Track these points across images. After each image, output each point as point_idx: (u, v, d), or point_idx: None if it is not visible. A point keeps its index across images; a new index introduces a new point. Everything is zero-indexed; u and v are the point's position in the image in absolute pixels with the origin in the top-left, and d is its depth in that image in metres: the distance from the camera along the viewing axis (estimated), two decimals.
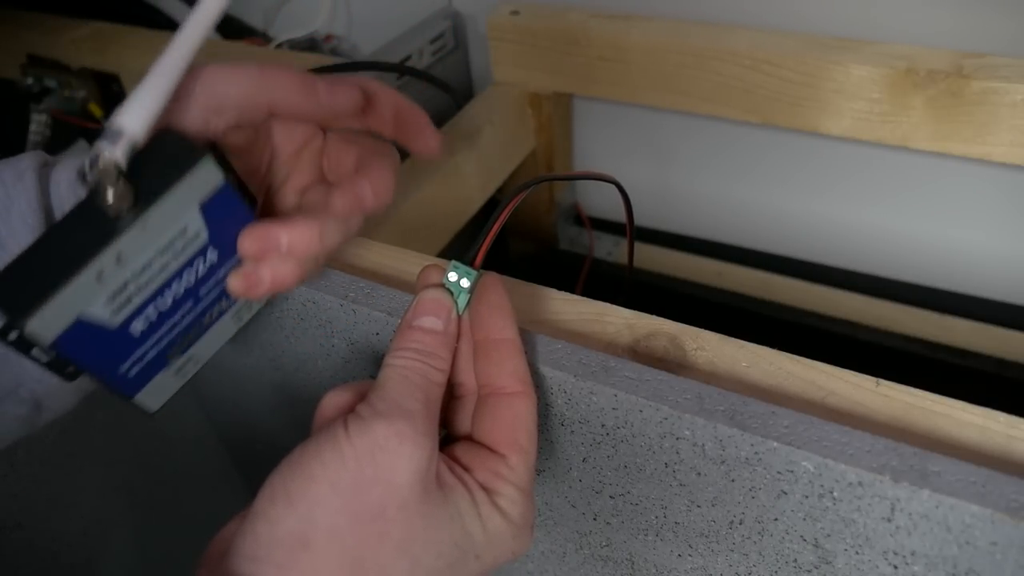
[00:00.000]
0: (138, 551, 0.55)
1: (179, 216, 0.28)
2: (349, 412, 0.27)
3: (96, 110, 0.71)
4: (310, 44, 0.75)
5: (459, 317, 0.30)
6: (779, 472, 0.28)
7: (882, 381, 0.31)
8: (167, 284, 0.30)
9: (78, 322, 0.27)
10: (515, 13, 0.62)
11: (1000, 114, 0.48)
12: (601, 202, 0.77)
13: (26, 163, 0.31)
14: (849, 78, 0.51)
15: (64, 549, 0.49)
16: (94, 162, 0.26)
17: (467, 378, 0.31)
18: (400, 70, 0.62)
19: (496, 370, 0.30)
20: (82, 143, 0.76)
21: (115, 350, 0.29)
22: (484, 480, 0.28)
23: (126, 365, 0.30)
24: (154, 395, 0.32)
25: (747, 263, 0.70)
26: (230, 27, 0.79)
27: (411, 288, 0.35)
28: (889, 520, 0.27)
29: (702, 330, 0.34)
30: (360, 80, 0.34)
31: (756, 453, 0.28)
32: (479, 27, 0.72)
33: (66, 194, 0.30)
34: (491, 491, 0.28)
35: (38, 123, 0.72)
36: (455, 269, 0.30)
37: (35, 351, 0.27)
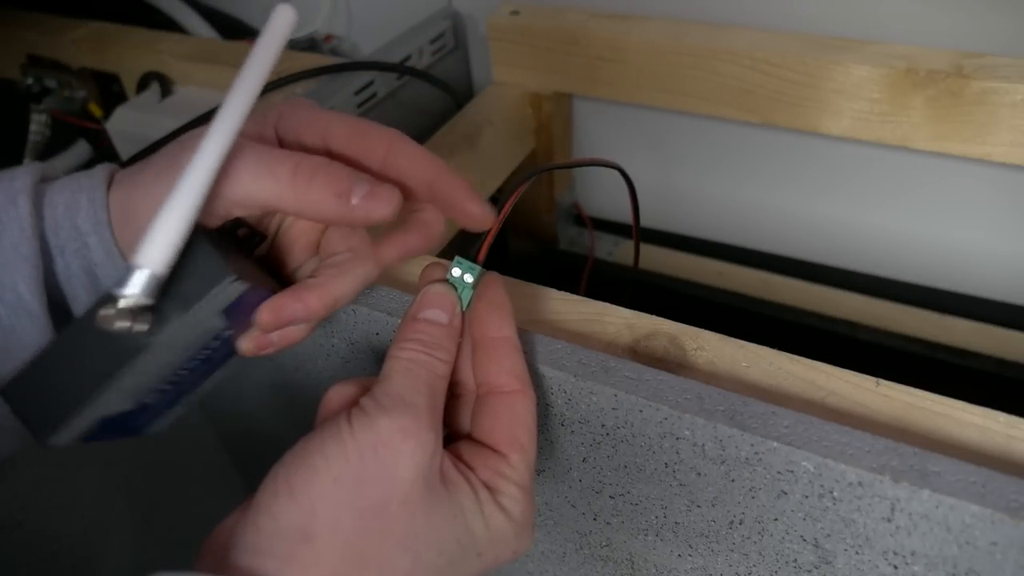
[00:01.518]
0: (138, 551, 0.55)
1: (201, 324, 0.28)
2: (353, 405, 0.27)
3: (96, 110, 0.71)
4: (310, 44, 0.75)
5: (463, 313, 0.30)
6: (779, 472, 0.28)
7: (882, 381, 0.31)
8: (184, 367, 0.30)
9: (100, 420, 0.28)
10: (515, 13, 0.62)
11: (1000, 114, 0.48)
12: (601, 202, 0.77)
13: (20, 183, 0.29)
14: (849, 78, 0.51)
15: (64, 549, 0.49)
16: (114, 307, 0.25)
17: (467, 377, 0.31)
18: (400, 70, 0.62)
19: (495, 368, 0.30)
20: (82, 143, 0.76)
21: (132, 419, 0.30)
22: (487, 479, 0.28)
23: (140, 421, 0.31)
24: (161, 426, 0.33)
25: (747, 263, 0.70)
26: (229, 27, 0.79)
27: (411, 288, 0.35)
28: (889, 520, 0.27)
29: (702, 330, 0.34)
30: (393, 141, 0.30)
31: (756, 453, 0.28)
32: (479, 27, 0.72)
33: (62, 219, 0.29)
34: (494, 489, 0.28)
35: (38, 123, 0.72)
36: (459, 264, 0.31)
37: None
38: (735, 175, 0.69)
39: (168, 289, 0.27)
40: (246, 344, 0.31)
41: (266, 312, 0.29)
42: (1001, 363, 0.59)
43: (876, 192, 0.63)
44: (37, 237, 0.28)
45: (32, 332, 0.28)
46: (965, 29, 0.52)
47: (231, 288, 0.28)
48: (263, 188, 0.28)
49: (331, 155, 0.30)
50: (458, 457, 0.29)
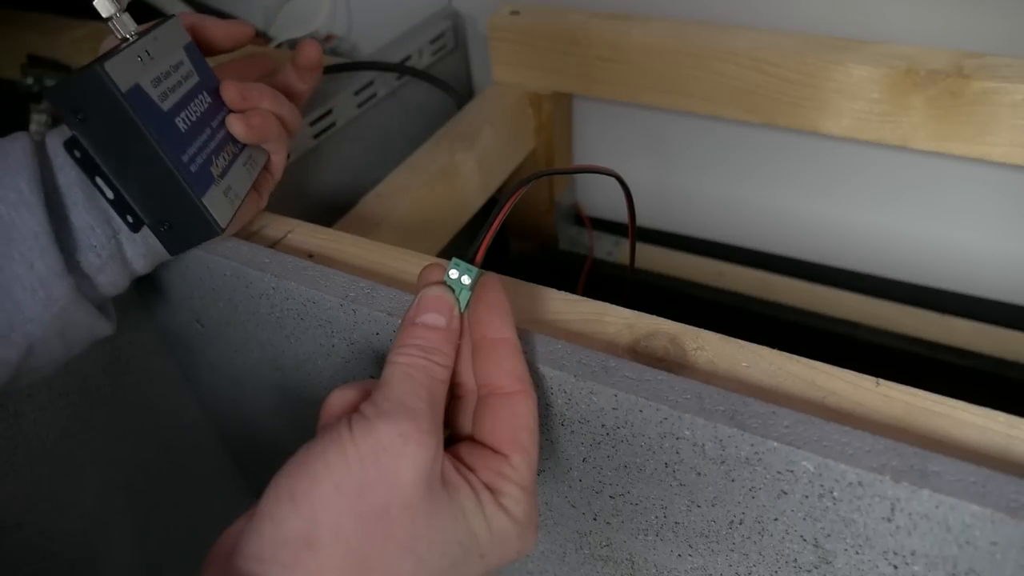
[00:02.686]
0: (138, 551, 0.55)
1: (175, 46, 0.37)
2: (354, 411, 0.27)
3: None
4: None
5: (461, 314, 0.30)
6: (779, 472, 0.28)
7: (882, 381, 0.31)
8: (188, 98, 0.36)
9: (136, 87, 0.33)
10: (515, 13, 0.62)
11: (1000, 114, 0.48)
12: (601, 202, 0.77)
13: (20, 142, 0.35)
14: (849, 78, 0.51)
15: (64, 549, 0.49)
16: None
17: (467, 378, 0.31)
18: (400, 70, 0.62)
19: (495, 370, 0.30)
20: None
21: (172, 134, 0.34)
22: (488, 480, 0.28)
23: (186, 156, 0.35)
24: (216, 206, 0.36)
25: (747, 263, 0.70)
26: None
27: (411, 288, 0.35)
28: (889, 520, 0.27)
29: (702, 330, 0.34)
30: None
31: (756, 453, 0.28)
32: (479, 27, 0.72)
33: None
34: (495, 491, 0.28)
35: (38, 123, 0.72)
36: (456, 266, 0.31)
37: (99, 180, 0.34)
38: (735, 175, 0.69)
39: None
40: (233, 120, 0.38)
41: (226, 87, 0.38)
42: (1001, 363, 0.59)
43: (876, 192, 0.63)
44: (34, 155, 0.35)
45: (30, 222, 0.33)
46: (965, 29, 0.52)
47: (178, 28, 0.37)
48: None
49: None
50: (459, 459, 0.29)
